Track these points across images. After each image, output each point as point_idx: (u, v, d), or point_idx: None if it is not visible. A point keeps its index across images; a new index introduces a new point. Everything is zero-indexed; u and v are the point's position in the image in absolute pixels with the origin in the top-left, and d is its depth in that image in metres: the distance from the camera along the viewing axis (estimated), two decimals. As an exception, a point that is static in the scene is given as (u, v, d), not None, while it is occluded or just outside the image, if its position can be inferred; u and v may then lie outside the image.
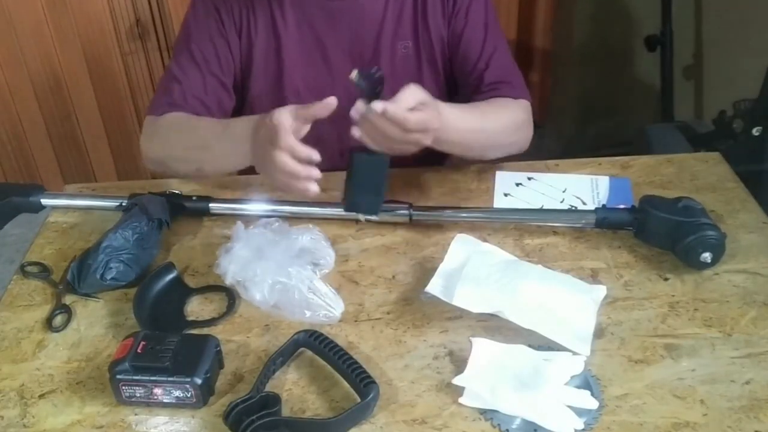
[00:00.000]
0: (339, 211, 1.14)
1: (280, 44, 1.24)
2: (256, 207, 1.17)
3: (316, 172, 0.96)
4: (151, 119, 1.24)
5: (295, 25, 1.23)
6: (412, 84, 1.00)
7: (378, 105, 0.95)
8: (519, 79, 1.29)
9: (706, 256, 1.00)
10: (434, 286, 0.98)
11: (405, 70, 1.28)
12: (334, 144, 1.19)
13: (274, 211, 1.16)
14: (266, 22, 1.24)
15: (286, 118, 0.97)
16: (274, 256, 1.01)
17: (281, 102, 1.27)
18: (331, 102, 0.95)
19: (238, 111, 1.31)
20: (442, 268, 1.02)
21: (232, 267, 1.01)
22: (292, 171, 0.96)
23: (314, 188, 0.97)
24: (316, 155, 0.95)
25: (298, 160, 0.96)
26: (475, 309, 0.94)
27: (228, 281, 1.02)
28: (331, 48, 1.25)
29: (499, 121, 1.21)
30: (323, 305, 0.98)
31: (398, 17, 1.24)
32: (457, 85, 1.33)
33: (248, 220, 1.14)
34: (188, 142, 1.18)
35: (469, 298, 0.94)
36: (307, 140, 1.00)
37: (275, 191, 1.17)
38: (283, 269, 0.99)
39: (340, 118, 1.01)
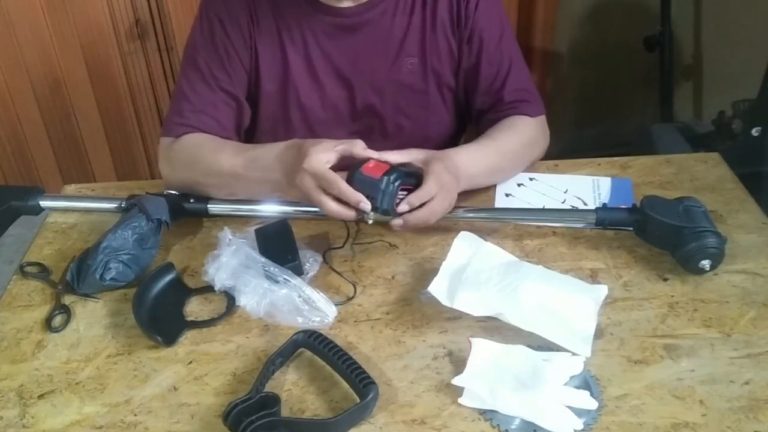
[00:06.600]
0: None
1: (287, 61, 1.21)
2: (254, 208, 1.16)
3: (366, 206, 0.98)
4: (167, 141, 1.20)
5: (301, 41, 1.21)
6: (429, 178, 1.01)
7: (397, 221, 1.01)
8: (534, 94, 1.28)
9: (705, 264, 1.00)
10: (436, 287, 0.97)
11: (411, 85, 1.26)
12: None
13: (272, 212, 1.15)
14: (272, 39, 1.20)
15: (325, 162, 0.98)
16: (261, 266, 1.01)
17: (287, 119, 1.26)
18: (368, 153, 1.01)
19: (251, 126, 1.29)
20: (445, 266, 1.01)
21: (220, 275, 1.01)
22: (341, 214, 0.99)
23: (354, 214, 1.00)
24: (365, 203, 0.97)
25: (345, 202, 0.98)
26: (476, 313, 0.94)
27: (217, 288, 1.02)
28: (338, 63, 1.23)
29: (515, 146, 1.22)
30: (315, 311, 0.97)
31: (405, 33, 1.22)
32: (467, 98, 1.30)
33: (246, 220, 1.15)
34: (216, 170, 1.13)
35: (469, 302, 0.94)
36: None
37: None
38: (271, 278, 0.99)
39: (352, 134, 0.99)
